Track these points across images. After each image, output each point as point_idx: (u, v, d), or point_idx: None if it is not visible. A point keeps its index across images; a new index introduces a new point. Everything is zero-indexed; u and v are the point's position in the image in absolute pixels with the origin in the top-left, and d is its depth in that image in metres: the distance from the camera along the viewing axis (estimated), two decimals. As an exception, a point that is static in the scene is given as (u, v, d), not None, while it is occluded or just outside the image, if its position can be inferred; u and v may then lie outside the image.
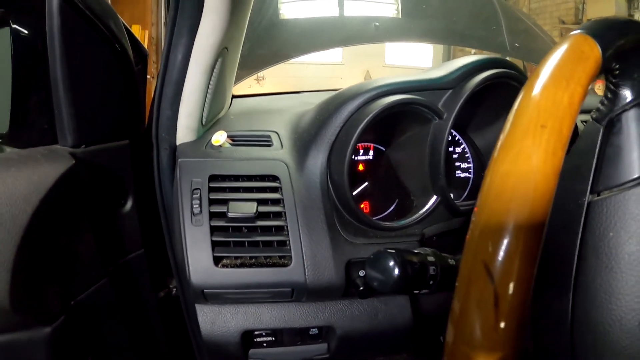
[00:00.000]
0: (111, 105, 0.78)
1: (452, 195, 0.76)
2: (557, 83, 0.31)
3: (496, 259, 0.30)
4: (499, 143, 0.32)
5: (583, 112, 0.45)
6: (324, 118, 0.74)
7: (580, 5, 5.34)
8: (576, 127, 0.63)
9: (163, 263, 0.86)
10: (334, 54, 5.75)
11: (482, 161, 0.88)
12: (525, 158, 0.30)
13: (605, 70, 0.35)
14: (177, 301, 0.84)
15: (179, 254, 0.71)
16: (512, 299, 0.29)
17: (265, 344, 0.75)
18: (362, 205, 0.82)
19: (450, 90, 0.75)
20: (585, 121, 0.39)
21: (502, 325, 0.30)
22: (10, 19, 0.73)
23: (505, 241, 0.29)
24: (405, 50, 5.90)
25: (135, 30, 3.49)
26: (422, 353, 0.84)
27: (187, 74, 0.70)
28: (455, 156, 0.88)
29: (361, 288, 0.69)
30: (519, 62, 2.52)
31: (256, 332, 0.75)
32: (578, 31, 0.34)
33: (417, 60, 5.71)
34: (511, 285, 0.29)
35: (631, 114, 0.36)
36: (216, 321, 0.72)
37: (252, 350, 0.75)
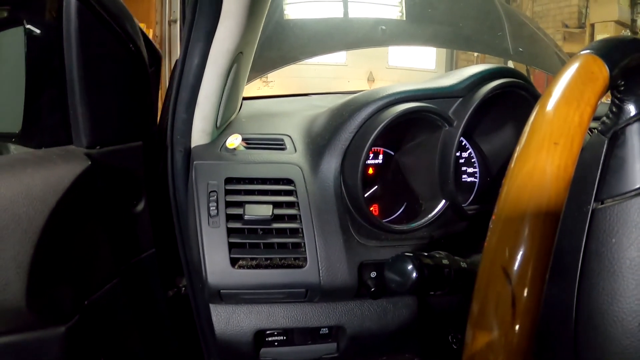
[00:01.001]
0: (125, 106, 0.79)
1: (459, 199, 0.77)
2: (568, 103, 0.34)
3: (513, 263, 0.31)
4: (516, 155, 0.34)
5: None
6: (338, 124, 0.75)
7: (583, 9, 5.35)
8: None
9: (173, 262, 0.86)
10: (338, 55, 5.73)
11: (487, 166, 0.89)
12: (540, 172, 0.32)
13: (611, 87, 0.37)
14: (186, 300, 0.85)
15: (194, 255, 0.72)
16: (527, 300, 0.31)
17: (276, 343, 0.77)
18: (371, 208, 0.83)
19: (461, 99, 0.76)
20: (592, 129, 0.42)
21: (518, 324, 0.31)
22: (24, 18, 0.73)
23: (522, 247, 0.31)
24: (408, 52, 5.90)
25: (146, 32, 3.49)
26: (429, 353, 0.85)
27: (203, 79, 0.71)
28: (462, 161, 0.89)
29: (373, 289, 0.71)
30: (522, 67, 2.53)
31: (268, 332, 0.76)
32: (587, 51, 0.37)
33: (420, 62, 5.71)
34: (527, 287, 0.31)
35: (635, 128, 0.38)
36: (230, 321, 0.73)
37: (263, 350, 0.76)
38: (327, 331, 0.77)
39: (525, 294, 0.31)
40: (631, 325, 0.35)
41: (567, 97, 0.34)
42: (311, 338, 0.77)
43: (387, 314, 0.77)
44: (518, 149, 0.34)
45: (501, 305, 0.32)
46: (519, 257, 0.31)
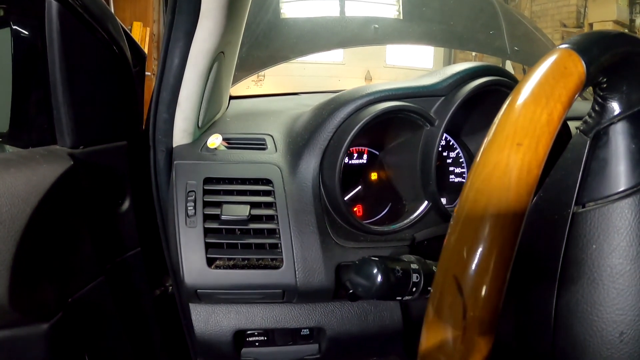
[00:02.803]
0: (109, 106, 0.79)
1: (445, 199, 0.77)
2: (536, 100, 0.31)
3: (466, 274, 0.30)
4: (477, 158, 0.32)
5: (576, 119, 0.45)
6: (318, 123, 0.75)
7: (581, 9, 5.33)
8: (569, 134, 0.62)
9: (159, 261, 0.87)
10: (335, 54, 5.69)
11: None
12: (500, 175, 0.30)
13: (592, 84, 0.35)
14: (173, 299, 0.85)
15: (173, 255, 0.72)
16: (480, 313, 0.30)
17: (257, 344, 0.77)
18: (355, 209, 0.83)
19: (443, 98, 0.75)
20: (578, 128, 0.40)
21: (469, 336, 0.30)
22: (11, 20, 0.74)
23: (476, 257, 0.30)
24: (406, 51, 5.88)
25: (137, 27, 3.49)
26: (412, 355, 0.85)
27: (183, 78, 0.71)
28: (449, 161, 0.89)
29: (350, 291, 0.70)
30: (519, 66, 2.52)
31: (248, 332, 0.76)
32: (564, 46, 0.34)
33: (418, 61, 5.69)
34: (480, 300, 0.30)
35: (618, 127, 0.36)
36: (209, 320, 0.73)
37: (244, 350, 0.76)
38: (308, 332, 0.77)
39: (478, 307, 0.30)
40: (611, 336, 0.34)
41: (536, 93, 0.32)
42: (292, 339, 0.77)
43: (367, 316, 0.77)
44: (480, 151, 0.32)
45: (453, 316, 0.31)
46: (472, 268, 0.30)
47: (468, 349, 0.30)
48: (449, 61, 5.48)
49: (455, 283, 0.30)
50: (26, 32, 0.75)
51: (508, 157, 0.30)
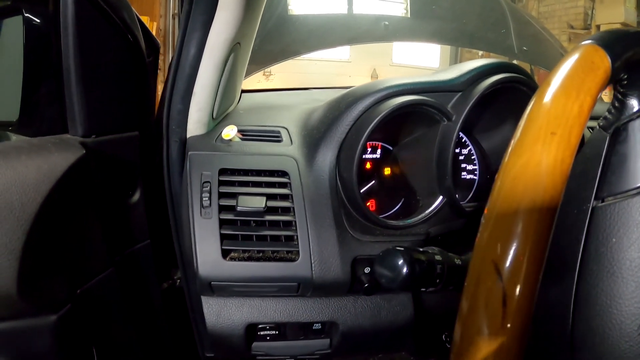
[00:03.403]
0: (122, 96, 0.78)
1: (457, 196, 0.76)
2: (567, 93, 0.32)
3: (505, 259, 0.30)
4: (510, 148, 0.33)
5: (590, 118, 0.46)
6: (334, 116, 0.74)
7: (589, 11, 5.32)
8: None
9: (168, 254, 0.86)
10: (342, 52, 5.73)
11: (487, 163, 0.88)
12: (535, 164, 0.31)
13: (613, 80, 0.36)
14: (181, 293, 0.84)
15: (187, 246, 0.72)
16: (519, 299, 0.30)
17: (268, 338, 0.76)
18: (368, 203, 0.82)
19: (460, 93, 0.75)
20: (592, 128, 0.41)
21: (509, 324, 0.30)
22: (23, 7, 0.73)
23: (515, 242, 0.30)
24: (413, 49, 5.89)
25: (143, 22, 3.49)
26: (423, 351, 0.84)
27: (199, 69, 0.70)
28: (461, 158, 0.88)
29: (366, 285, 0.70)
30: (526, 66, 2.52)
31: (260, 326, 0.75)
32: (589, 41, 0.35)
33: (424, 60, 5.71)
34: (519, 285, 0.30)
35: (637, 124, 0.37)
36: (221, 313, 0.72)
37: (255, 344, 0.76)
38: (320, 327, 0.76)
39: (517, 291, 0.30)
40: (630, 329, 0.34)
41: (566, 86, 0.33)
42: (304, 333, 0.77)
43: (380, 311, 0.76)
44: (513, 141, 0.33)
45: (491, 304, 0.31)
46: (511, 252, 0.30)
47: (509, 337, 0.30)
48: (455, 60, 5.49)
49: (494, 269, 0.31)
50: (38, 21, 0.74)
51: (542, 146, 0.31)
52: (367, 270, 0.72)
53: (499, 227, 0.31)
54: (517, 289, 0.30)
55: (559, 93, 0.33)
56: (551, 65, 1.66)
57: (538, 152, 0.31)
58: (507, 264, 0.30)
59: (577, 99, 0.32)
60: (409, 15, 1.78)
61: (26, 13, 0.73)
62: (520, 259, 0.30)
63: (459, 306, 0.33)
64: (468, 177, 0.89)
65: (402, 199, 0.83)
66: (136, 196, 0.82)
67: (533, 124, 0.32)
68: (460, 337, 0.33)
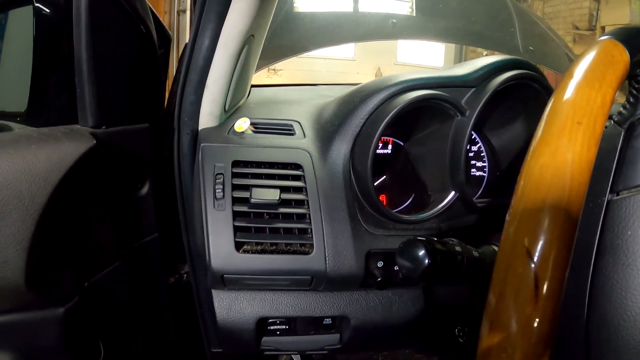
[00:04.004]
0: (133, 87, 0.78)
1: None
2: (590, 84, 0.33)
3: (537, 243, 0.31)
4: (537, 138, 0.33)
5: None
6: (348, 110, 0.74)
7: (594, 12, 5.31)
8: None
9: (175, 249, 0.86)
10: (346, 50, 5.74)
11: (497, 160, 0.88)
12: (563, 152, 0.32)
13: (629, 76, 0.37)
14: (188, 287, 0.84)
15: (198, 239, 0.71)
16: (551, 282, 0.30)
17: (278, 332, 0.76)
18: (379, 198, 0.81)
19: (474, 88, 0.75)
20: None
21: (542, 308, 0.30)
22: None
23: (545, 227, 0.31)
24: (417, 48, 5.89)
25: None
26: (433, 346, 0.84)
27: (213, 60, 0.70)
28: (471, 154, 0.88)
29: (379, 279, 0.70)
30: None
31: (270, 320, 0.75)
32: (607, 37, 0.37)
33: (428, 59, 5.70)
34: (550, 269, 0.30)
35: None
36: (232, 307, 0.72)
37: (264, 338, 0.75)
38: (331, 321, 0.76)
39: (548, 275, 0.30)
40: None
41: (589, 78, 0.34)
42: (314, 328, 0.77)
43: (392, 306, 0.76)
44: (539, 130, 0.34)
45: (523, 289, 0.31)
46: (542, 236, 0.31)
47: (542, 320, 0.30)
48: (459, 59, 5.50)
49: (525, 253, 0.31)
50: (48, 11, 0.73)
51: (570, 135, 0.32)
52: (380, 264, 0.72)
53: (529, 213, 0.32)
54: (549, 273, 0.30)
55: (582, 84, 0.33)
56: (557, 66, 1.66)
57: (565, 141, 0.32)
58: (539, 247, 0.30)
59: (600, 90, 0.33)
60: (414, 14, 1.78)
61: (36, 3, 0.72)
62: (551, 243, 0.30)
63: (486, 300, 0.33)
64: (477, 173, 0.89)
65: (413, 194, 0.83)
66: (145, 189, 0.81)
67: (559, 114, 0.33)
68: (489, 328, 0.32)
